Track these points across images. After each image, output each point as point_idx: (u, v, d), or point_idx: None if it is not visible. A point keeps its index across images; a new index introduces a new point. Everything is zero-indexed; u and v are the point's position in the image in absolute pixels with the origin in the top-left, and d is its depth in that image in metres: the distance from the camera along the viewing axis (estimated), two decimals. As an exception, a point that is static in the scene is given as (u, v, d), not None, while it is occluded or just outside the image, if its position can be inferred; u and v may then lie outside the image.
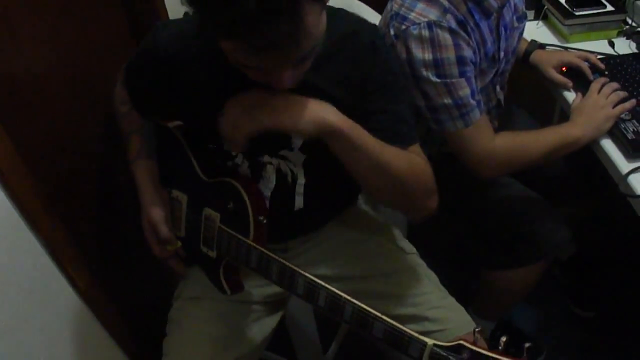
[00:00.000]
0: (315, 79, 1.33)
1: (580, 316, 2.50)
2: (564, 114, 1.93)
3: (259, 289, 1.65)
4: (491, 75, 1.80)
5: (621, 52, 2.05)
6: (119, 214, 1.84)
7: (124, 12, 1.95)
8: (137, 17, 1.98)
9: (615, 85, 1.83)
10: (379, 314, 1.22)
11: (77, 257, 1.57)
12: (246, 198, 1.42)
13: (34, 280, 1.43)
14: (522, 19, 1.88)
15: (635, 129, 1.70)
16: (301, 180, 1.50)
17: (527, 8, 2.20)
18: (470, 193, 1.93)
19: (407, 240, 1.74)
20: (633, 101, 1.78)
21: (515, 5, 1.82)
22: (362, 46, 1.36)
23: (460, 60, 1.58)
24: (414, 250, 1.72)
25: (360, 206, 1.80)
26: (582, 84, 1.89)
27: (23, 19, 1.47)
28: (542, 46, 2.06)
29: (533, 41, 2.06)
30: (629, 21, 2.14)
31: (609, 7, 2.13)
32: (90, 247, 1.70)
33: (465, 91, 1.60)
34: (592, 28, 2.12)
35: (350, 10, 2.12)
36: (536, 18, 2.25)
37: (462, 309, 1.59)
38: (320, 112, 1.24)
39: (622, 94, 1.80)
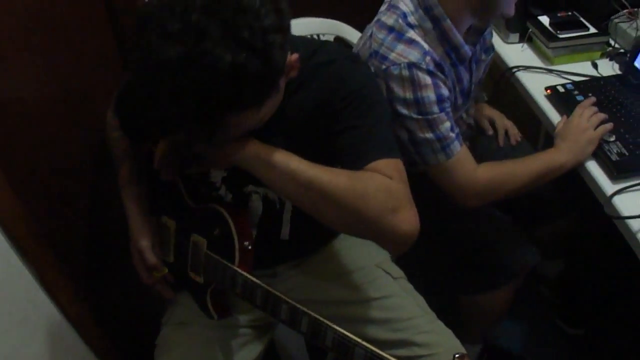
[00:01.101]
0: (284, 107, 1.32)
1: (569, 333, 2.47)
2: (549, 137, 1.93)
3: (246, 313, 1.63)
4: (464, 108, 1.84)
5: (605, 74, 2.04)
6: (110, 241, 1.82)
7: (113, 36, 1.93)
8: (126, 41, 1.97)
9: (595, 108, 1.82)
10: (359, 340, 1.20)
11: (68, 286, 1.56)
12: (231, 224, 1.41)
13: (25, 310, 1.42)
14: (490, 51, 1.93)
15: (620, 151, 1.68)
16: (289, 206, 1.49)
17: (512, 31, 2.24)
18: (438, 219, 1.90)
19: (394, 265, 1.72)
20: (611, 124, 1.76)
21: (484, 38, 1.86)
22: (336, 71, 1.35)
23: (440, 99, 1.60)
24: (401, 274, 1.70)
25: (347, 236, 1.76)
26: (566, 107, 1.88)
27: (10, 43, 1.46)
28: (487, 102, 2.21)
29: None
30: (612, 42, 2.14)
31: (592, 30, 2.12)
32: (81, 275, 1.69)
33: (445, 125, 1.62)
34: (576, 50, 2.11)
35: (337, 32, 2.15)
36: (521, 41, 2.24)
37: (450, 332, 1.57)
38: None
39: (602, 115, 1.79)
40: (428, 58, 1.58)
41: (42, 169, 1.58)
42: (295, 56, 1.20)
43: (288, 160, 1.23)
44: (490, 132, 2.16)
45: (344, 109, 1.33)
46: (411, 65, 1.56)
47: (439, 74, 1.60)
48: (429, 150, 1.64)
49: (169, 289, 1.60)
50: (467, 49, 1.67)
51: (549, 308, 2.54)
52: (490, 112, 2.20)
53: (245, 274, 1.37)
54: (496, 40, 2.28)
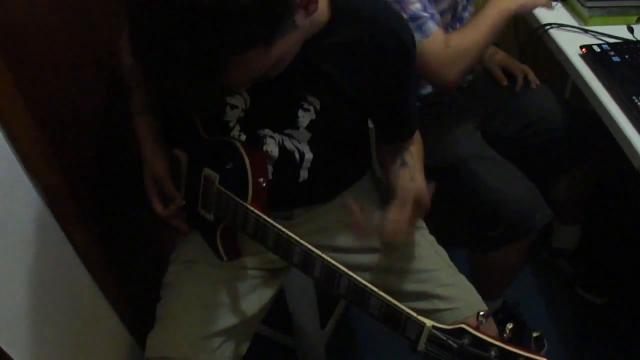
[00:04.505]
0: (328, 65, 1.18)
1: (593, 302, 2.27)
2: (575, 87, 1.77)
3: (258, 255, 1.45)
4: (446, 5, 1.75)
5: (640, 38, 1.83)
6: (120, 171, 1.64)
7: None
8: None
9: None
10: (375, 289, 1.04)
11: (75, 211, 1.39)
12: (246, 158, 1.23)
13: (31, 232, 1.26)
14: None
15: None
16: (309, 156, 1.32)
17: (547, -13, 2.01)
18: (452, 171, 1.80)
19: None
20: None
21: None
22: (389, 44, 1.20)
23: None
24: (423, 225, 1.52)
25: (370, 180, 1.59)
26: (602, 67, 1.68)
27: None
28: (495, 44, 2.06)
29: None
30: (650, 8, 1.92)
31: (631, -8, 1.91)
32: (89, 203, 1.51)
33: (416, 5, 1.57)
34: (612, 12, 1.90)
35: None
36: (554, -1, 2.04)
37: (472, 287, 1.41)
38: None
39: None
40: None
41: (56, 93, 1.40)
42: None
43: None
44: (505, 82, 2.00)
45: (394, 91, 1.29)
46: None
47: None
48: None
49: (184, 223, 1.42)
50: None
51: (569, 279, 2.34)
52: (502, 58, 2.05)
53: (257, 212, 1.19)
54: (529, -3, 2.09)
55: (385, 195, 1.47)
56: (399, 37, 1.20)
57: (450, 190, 1.79)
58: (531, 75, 2.01)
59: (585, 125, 1.87)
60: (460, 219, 1.90)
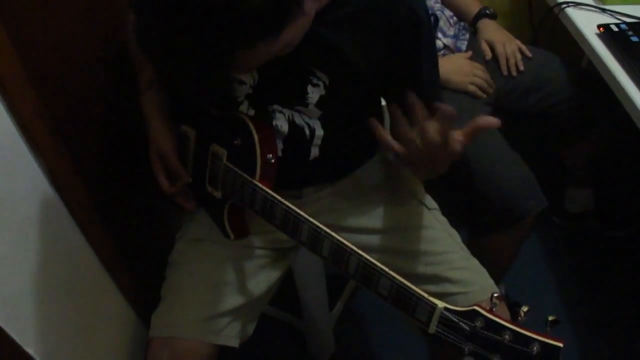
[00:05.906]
0: (337, 38, 1.14)
1: (616, 237, 2.33)
2: (591, 67, 1.76)
3: (266, 235, 1.41)
4: None
5: (660, 19, 1.77)
6: (125, 149, 1.61)
7: None
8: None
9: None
10: (385, 269, 0.99)
11: (80, 189, 1.35)
12: (255, 134, 1.19)
13: (35, 210, 1.22)
14: None
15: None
16: (319, 133, 1.27)
17: (564, -37, 1.96)
18: None
19: (429, 196, 1.50)
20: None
21: None
22: (401, 15, 1.14)
23: None
24: (436, 206, 1.48)
25: (382, 159, 1.53)
26: (620, 47, 1.63)
27: None
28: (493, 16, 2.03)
29: (485, 7, 2.03)
30: (671, -13, 1.86)
31: (651, -29, 1.84)
32: (95, 181, 1.46)
33: None
34: (631, -8, 1.84)
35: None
36: (571, -23, 1.98)
37: (485, 272, 1.36)
38: None
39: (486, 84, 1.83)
40: None
41: (61, 66, 1.35)
42: None
43: None
44: (489, 55, 1.95)
45: (417, 37, 1.19)
46: None
47: None
48: None
49: (191, 201, 1.39)
50: None
51: (599, 230, 2.39)
52: (491, 35, 1.97)
53: (265, 189, 1.15)
54: (545, -26, 2.06)
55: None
56: (410, 5, 1.14)
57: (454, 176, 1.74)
58: (512, 60, 1.95)
59: (593, 88, 1.85)
60: (457, 201, 1.88)
